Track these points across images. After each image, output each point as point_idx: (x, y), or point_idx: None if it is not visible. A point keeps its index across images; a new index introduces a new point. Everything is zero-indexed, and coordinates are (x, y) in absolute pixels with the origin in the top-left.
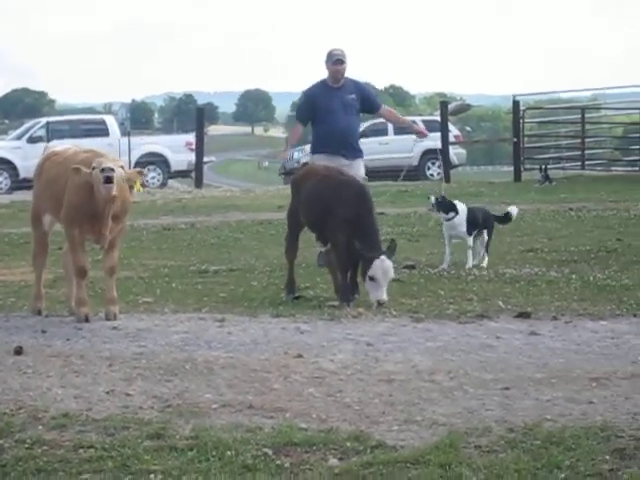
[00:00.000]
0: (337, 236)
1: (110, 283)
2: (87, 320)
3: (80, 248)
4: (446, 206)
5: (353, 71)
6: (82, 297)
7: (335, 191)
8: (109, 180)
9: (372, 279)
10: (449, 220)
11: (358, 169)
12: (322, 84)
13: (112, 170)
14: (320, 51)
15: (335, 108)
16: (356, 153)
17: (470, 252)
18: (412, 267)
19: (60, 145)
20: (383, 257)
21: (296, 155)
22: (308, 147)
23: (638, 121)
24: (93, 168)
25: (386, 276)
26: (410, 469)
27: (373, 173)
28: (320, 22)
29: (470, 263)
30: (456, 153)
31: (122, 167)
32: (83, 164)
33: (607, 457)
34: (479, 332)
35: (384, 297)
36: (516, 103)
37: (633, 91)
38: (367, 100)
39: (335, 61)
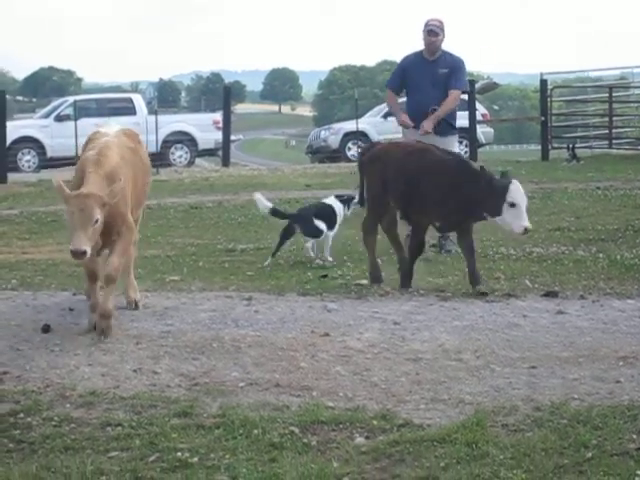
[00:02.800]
0: (429, 215)
1: (105, 293)
2: (94, 328)
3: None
4: None
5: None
6: (93, 302)
7: (439, 165)
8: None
9: (512, 205)
10: None
11: (448, 146)
12: (417, 55)
13: (78, 253)
14: (346, 31)
15: (423, 82)
16: (447, 130)
17: None
18: (435, 245)
19: (107, 125)
20: (514, 180)
21: (323, 134)
22: (336, 126)
23: None
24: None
25: (524, 199)
26: (437, 447)
27: None
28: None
29: None
30: (483, 132)
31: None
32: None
33: (634, 436)
34: (506, 311)
35: (528, 224)
36: (544, 82)
37: None
38: (449, 76)
39: (429, 32)
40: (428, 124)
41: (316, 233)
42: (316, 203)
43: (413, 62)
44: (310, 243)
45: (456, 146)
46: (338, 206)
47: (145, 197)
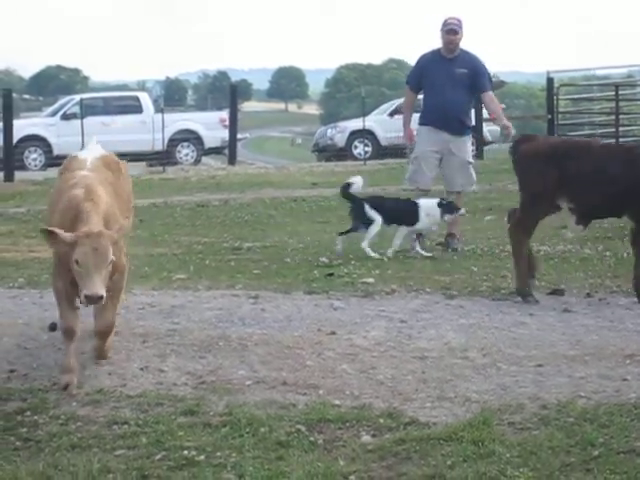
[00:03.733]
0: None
1: (99, 346)
2: (67, 389)
3: (65, 303)
4: None
5: (388, 49)
6: (66, 361)
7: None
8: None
9: None
10: None
11: (460, 148)
12: (435, 53)
13: (95, 298)
14: (352, 29)
15: (441, 80)
16: (462, 129)
17: None
18: (442, 244)
19: (87, 149)
20: None
21: (329, 132)
22: (342, 124)
23: None
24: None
25: None
26: (443, 446)
27: (406, 150)
28: None
29: None
30: (490, 130)
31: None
32: (68, 211)
33: None
34: (512, 309)
35: None
36: (550, 80)
37: None
38: (476, 79)
39: (448, 30)
40: (509, 124)
41: (365, 221)
42: (405, 198)
43: (431, 61)
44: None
45: (470, 146)
46: (427, 206)
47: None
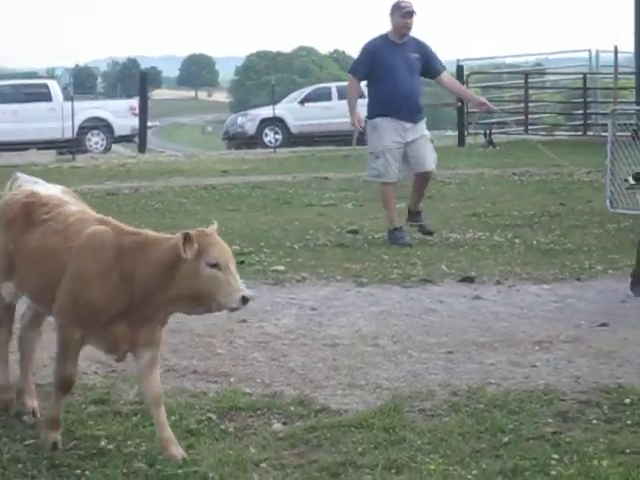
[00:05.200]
0: None
1: (161, 417)
2: (55, 448)
3: (74, 356)
4: None
5: (297, 37)
6: (54, 416)
7: None
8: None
9: None
10: None
11: (421, 130)
12: (384, 39)
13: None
14: (262, 17)
15: (398, 66)
16: (419, 116)
17: None
18: (356, 232)
19: (44, 186)
20: None
21: (239, 120)
22: (253, 112)
23: (581, 86)
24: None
25: None
26: (354, 433)
27: (317, 138)
28: None
29: None
30: None
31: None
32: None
33: (550, 420)
34: (423, 296)
35: None
36: (460, 68)
37: (576, 56)
38: (429, 62)
39: (405, 13)
40: (484, 100)
41: None
42: None
43: (382, 46)
44: None
45: (426, 131)
46: None
47: None
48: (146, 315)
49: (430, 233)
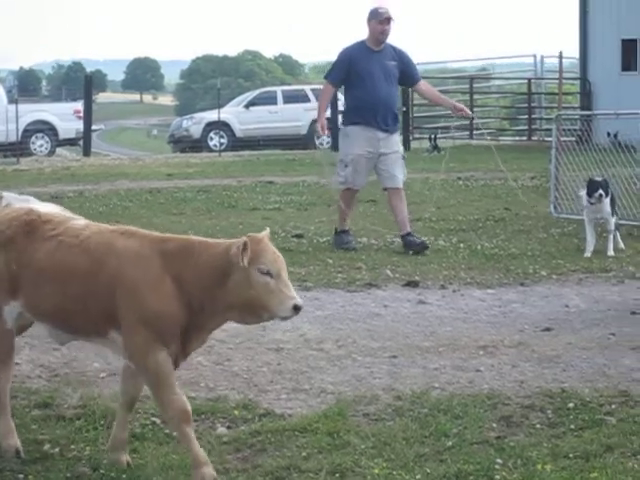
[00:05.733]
0: None
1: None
2: None
3: (173, 380)
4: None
5: (242, 41)
6: (201, 457)
7: None
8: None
9: None
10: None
11: (395, 144)
12: (361, 45)
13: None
14: (209, 20)
15: (374, 73)
16: (394, 127)
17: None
18: (301, 236)
19: (38, 203)
20: None
21: (184, 124)
22: (198, 115)
23: (526, 91)
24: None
25: None
26: (298, 437)
27: (262, 142)
28: None
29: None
30: None
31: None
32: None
33: (494, 424)
34: (367, 301)
35: None
36: None
37: (521, 61)
38: (407, 70)
39: (383, 20)
40: (461, 105)
41: None
42: None
43: (359, 52)
44: None
45: (400, 145)
46: None
47: None
48: (201, 324)
49: (426, 247)
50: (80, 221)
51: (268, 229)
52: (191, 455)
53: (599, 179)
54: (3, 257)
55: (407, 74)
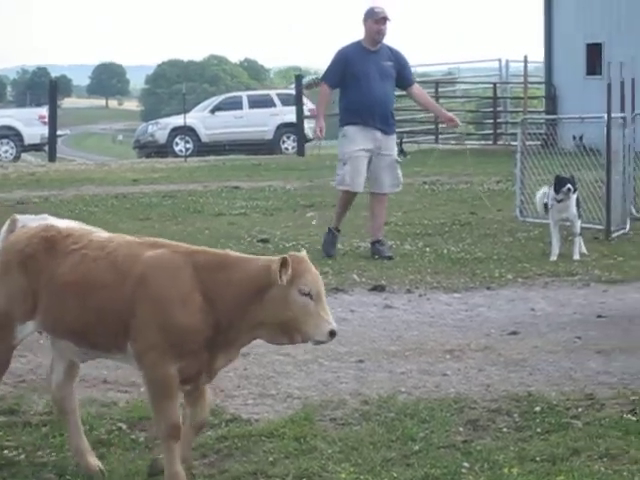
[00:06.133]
0: None
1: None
2: None
3: (175, 396)
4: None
5: (208, 46)
6: (177, 473)
7: None
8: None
9: None
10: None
11: (390, 147)
12: (357, 45)
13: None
14: (174, 24)
15: (371, 73)
16: (392, 128)
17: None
18: (266, 241)
19: (54, 219)
20: None
21: (150, 129)
22: (163, 121)
23: (491, 95)
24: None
25: None
26: (265, 442)
27: (228, 147)
28: None
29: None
30: (311, 127)
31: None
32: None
33: (460, 429)
34: (334, 305)
35: None
36: None
37: (486, 66)
38: (402, 72)
39: (379, 19)
40: (453, 116)
41: None
42: None
43: (355, 53)
44: None
45: (395, 149)
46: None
47: None
48: (229, 340)
49: (390, 258)
50: (103, 234)
51: (304, 251)
52: (167, 471)
53: (566, 176)
54: (23, 275)
55: (402, 76)
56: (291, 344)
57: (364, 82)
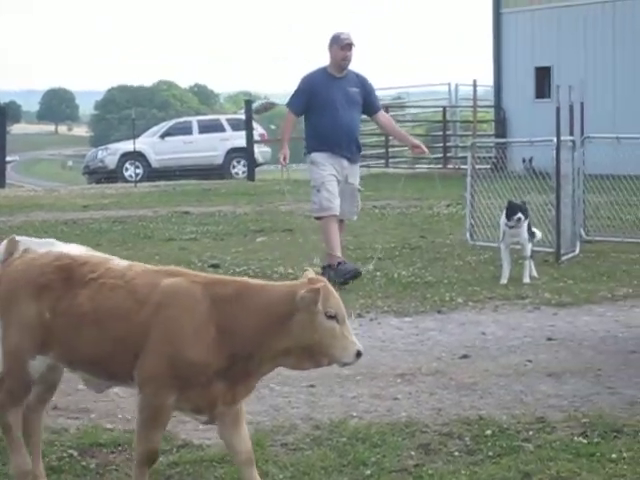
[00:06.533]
0: None
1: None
2: None
3: (163, 425)
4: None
5: (157, 71)
6: None
7: None
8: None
9: None
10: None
11: (355, 175)
12: (323, 72)
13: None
14: (123, 50)
15: (337, 100)
16: (357, 156)
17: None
18: (217, 266)
19: (62, 244)
20: None
21: (100, 154)
22: (113, 146)
23: (441, 119)
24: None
25: None
26: (217, 468)
27: (178, 172)
28: (120, 21)
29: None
30: (261, 152)
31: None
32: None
33: (412, 453)
34: None
35: None
36: None
37: (436, 90)
38: (368, 98)
39: (344, 46)
40: (420, 143)
41: None
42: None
43: (321, 79)
44: None
45: (358, 178)
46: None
47: None
48: (249, 370)
49: (343, 283)
50: (121, 262)
51: (311, 270)
52: None
53: (518, 202)
54: (35, 307)
55: (368, 102)
56: (316, 368)
57: (330, 109)
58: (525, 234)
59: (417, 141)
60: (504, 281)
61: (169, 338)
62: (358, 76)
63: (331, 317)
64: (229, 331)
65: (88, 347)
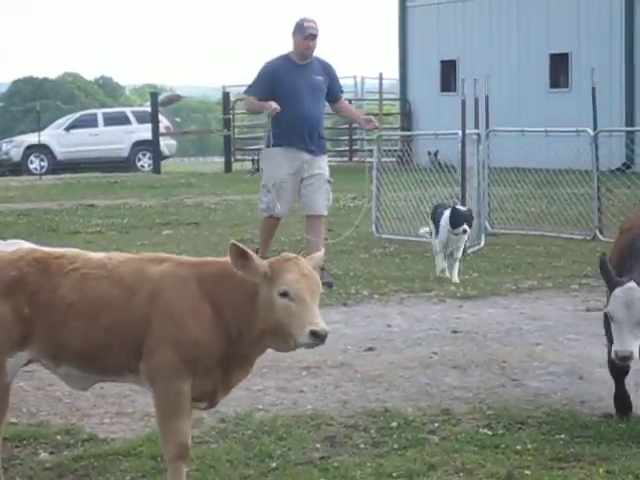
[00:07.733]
0: None
1: None
2: None
3: (187, 414)
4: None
5: (62, 63)
6: None
7: None
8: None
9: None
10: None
11: (322, 166)
12: (285, 59)
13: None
14: (28, 41)
15: (299, 89)
16: (321, 147)
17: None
18: None
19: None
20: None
21: (4, 147)
22: (18, 138)
23: None
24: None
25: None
26: (122, 461)
27: (83, 164)
28: (40, 12)
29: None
30: (167, 144)
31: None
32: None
33: (318, 445)
34: None
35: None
36: (226, 94)
37: (342, 83)
38: (332, 86)
39: (307, 35)
40: (370, 117)
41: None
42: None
43: (283, 67)
44: None
45: (327, 169)
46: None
47: None
48: (242, 354)
49: (330, 285)
50: (97, 253)
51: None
52: None
53: (463, 209)
54: (10, 303)
55: (331, 90)
56: (294, 350)
57: (293, 98)
58: (464, 241)
59: (368, 117)
60: (440, 272)
61: (172, 323)
62: (322, 62)
63: (283, 295)
64: (221, 309)
65: (76, 340)
